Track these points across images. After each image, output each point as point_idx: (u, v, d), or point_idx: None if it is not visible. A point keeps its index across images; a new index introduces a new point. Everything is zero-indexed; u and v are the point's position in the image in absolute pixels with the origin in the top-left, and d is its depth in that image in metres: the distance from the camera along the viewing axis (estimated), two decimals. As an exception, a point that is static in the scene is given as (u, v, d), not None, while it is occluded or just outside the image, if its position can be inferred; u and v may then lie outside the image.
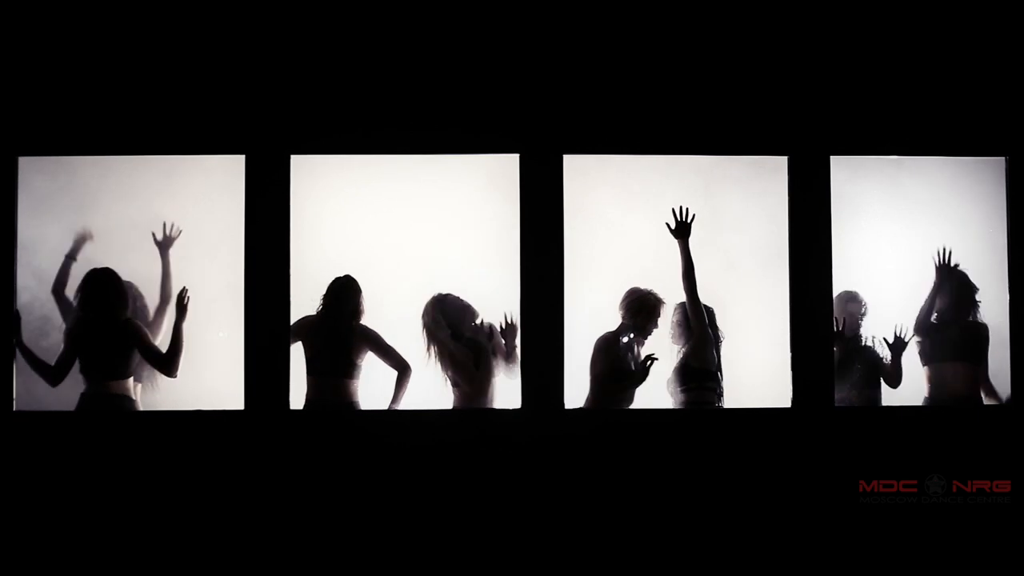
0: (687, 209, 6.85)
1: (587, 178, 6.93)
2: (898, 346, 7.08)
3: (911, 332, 7.07)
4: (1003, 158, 6.85)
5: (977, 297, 7.10)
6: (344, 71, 6.67)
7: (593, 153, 6.74)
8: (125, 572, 6.42)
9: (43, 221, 7.01)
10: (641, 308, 6.94)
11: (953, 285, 7.11)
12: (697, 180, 7.32)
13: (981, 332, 7.07)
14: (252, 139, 6.62)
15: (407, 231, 7.25)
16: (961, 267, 7.13)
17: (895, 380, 7.08)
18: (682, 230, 6.84)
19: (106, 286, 6.78)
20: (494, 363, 6.87)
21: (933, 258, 7.13)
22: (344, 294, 6.90)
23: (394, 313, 7.24)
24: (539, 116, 6.67)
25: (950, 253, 7.10)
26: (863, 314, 7.21)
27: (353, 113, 6.67)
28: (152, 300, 7.06)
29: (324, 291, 6.93)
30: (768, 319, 6.97)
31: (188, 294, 6.80)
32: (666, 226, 6.86)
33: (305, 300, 6.89)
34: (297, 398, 6.77)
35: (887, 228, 7.35)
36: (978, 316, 7.10)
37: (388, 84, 6.67)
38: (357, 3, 6.68)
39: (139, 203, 7.14)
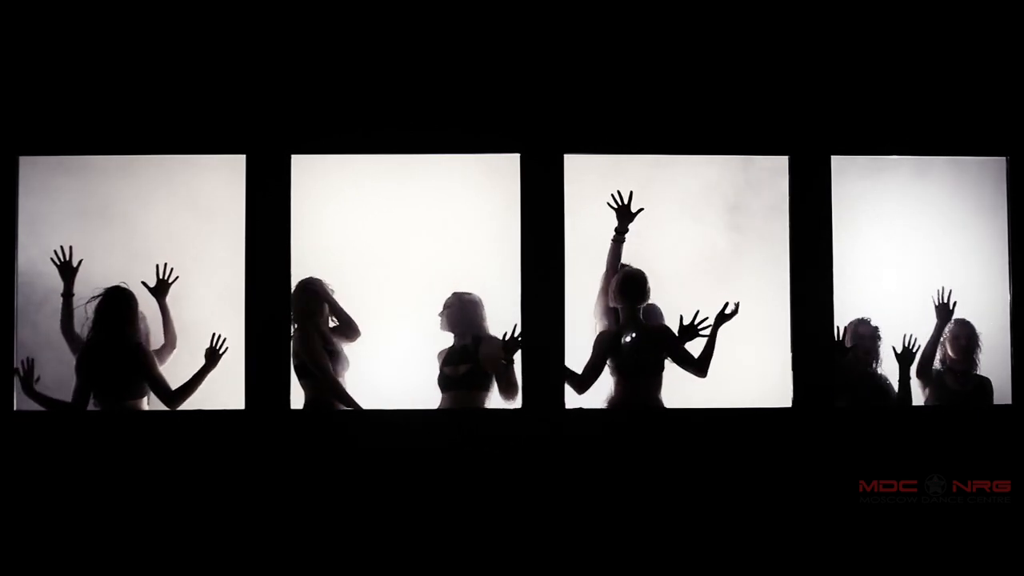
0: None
1: (588, 177, 6.92)
2: (906, 357, 7.01)
3: (918, 342, 7.03)
4: (1003, 158, 6.85)
5: (979, 353, 7.10)
6: (344, 71, 6.66)
7: (593, 153, 6.74)
8: (126, 571, 6.42)
9: (44, 219, 7.01)
10: (631, 285, 6.85)
11: (960, 336, 7.10)
12: (698, 178, 7.32)
13: (987, 388, 7.09)
14: (252, 139, 6.61)
15: (407, 231, 7.24)
16: (967, 316, 7.11)
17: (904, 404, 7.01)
18: (689, 332, 6.79)
19: (119, 305, 6.71)
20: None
21: (932, 298, 7.07)
22: (298, 298, 6.86)
23: (394, 312, 7.24)
24: (539, 116, 6.67)
25: (950, 293, 7.06)
26: (877, 338, 7.10)
27: (353, 113, 6.67)
28: (156, 331, 6.99)
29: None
30: (768, 319, 6.96)
31: (225, 345, 6.76)
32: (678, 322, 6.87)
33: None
34: (297, 398, 6.78)
35: (887, 228, 7.35)
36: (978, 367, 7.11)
37: (388, 84, 6.67)
38: (357, 3, 6.68)
39: (139, 202, 7.13)
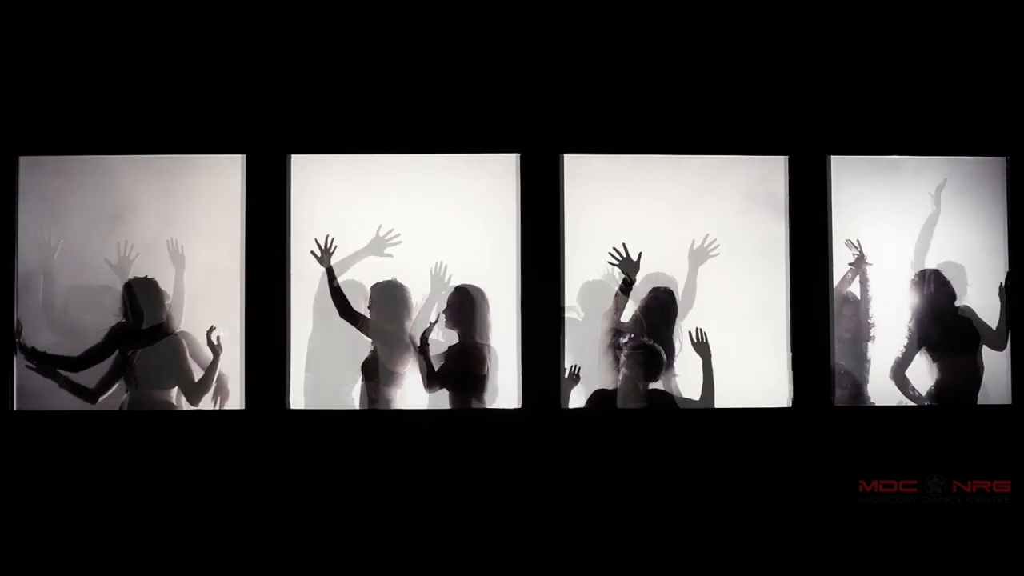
0: (704, 332, 6.81)
1: (587, 177, 6.93)
2: (858, 262, 7.00)
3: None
4: (1003, 158, 6.85)
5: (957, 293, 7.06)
6: (343, 71, 6.68)
7: (593, 153, 6.76)
8: (125, 571, 6.43)
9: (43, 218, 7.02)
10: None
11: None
12: (698, 179, 7.32)
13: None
14: (252, 139, 6.63)
15: (406, 231, 7.23)
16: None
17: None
18: (702, 350, 6.82)
19: (152, 293, 6.80)
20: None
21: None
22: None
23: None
24: (539, 116, 6.68)
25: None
26: (871, 322, 7.12)
27: (353, 113, 6.68)
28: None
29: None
30: (767, 319, 6.96)
31: (221, 341, 6.78)
32: (688, 337, 6.85)
33: (305, 300, 6.91)
34: (297, 398, 6.79)
35: (887, 228, 7.34)
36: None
37: (388, 84, 6.68)
38: (357, 3, 6.70)
39: (138, 202, 7.13)
